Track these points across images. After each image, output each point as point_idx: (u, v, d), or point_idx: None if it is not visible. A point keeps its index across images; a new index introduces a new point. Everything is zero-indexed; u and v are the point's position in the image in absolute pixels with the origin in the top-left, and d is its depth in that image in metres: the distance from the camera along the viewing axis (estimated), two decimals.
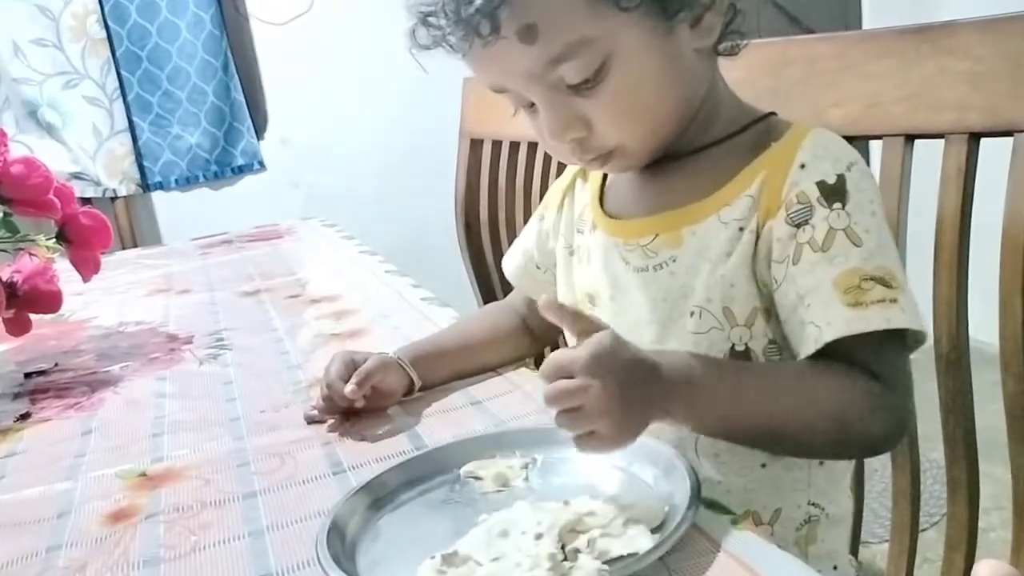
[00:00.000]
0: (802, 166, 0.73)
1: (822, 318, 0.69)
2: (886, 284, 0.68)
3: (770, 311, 0.75)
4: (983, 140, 0.88)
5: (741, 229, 0.75)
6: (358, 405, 0.87)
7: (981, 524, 0.96)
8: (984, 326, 0.94)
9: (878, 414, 0.68)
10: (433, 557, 0.58)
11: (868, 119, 0.97)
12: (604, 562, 0.56)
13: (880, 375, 0.69)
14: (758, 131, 0.78)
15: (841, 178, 0.71)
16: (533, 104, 0.76)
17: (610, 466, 0.68)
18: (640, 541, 0.57)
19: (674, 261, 0.78)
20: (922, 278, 0.93)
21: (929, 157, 0.96)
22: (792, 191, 0.72)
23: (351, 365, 0.88)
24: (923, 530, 1.04)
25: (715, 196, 0.77)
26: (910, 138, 0.94)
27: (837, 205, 0.71)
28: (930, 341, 0.92)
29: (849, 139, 0.97)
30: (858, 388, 0.68)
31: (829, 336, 0.68)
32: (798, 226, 0.71)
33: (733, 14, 0.78)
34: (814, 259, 0.70)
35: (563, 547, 0.58)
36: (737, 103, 0.82)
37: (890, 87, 0.94)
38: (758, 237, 0.74)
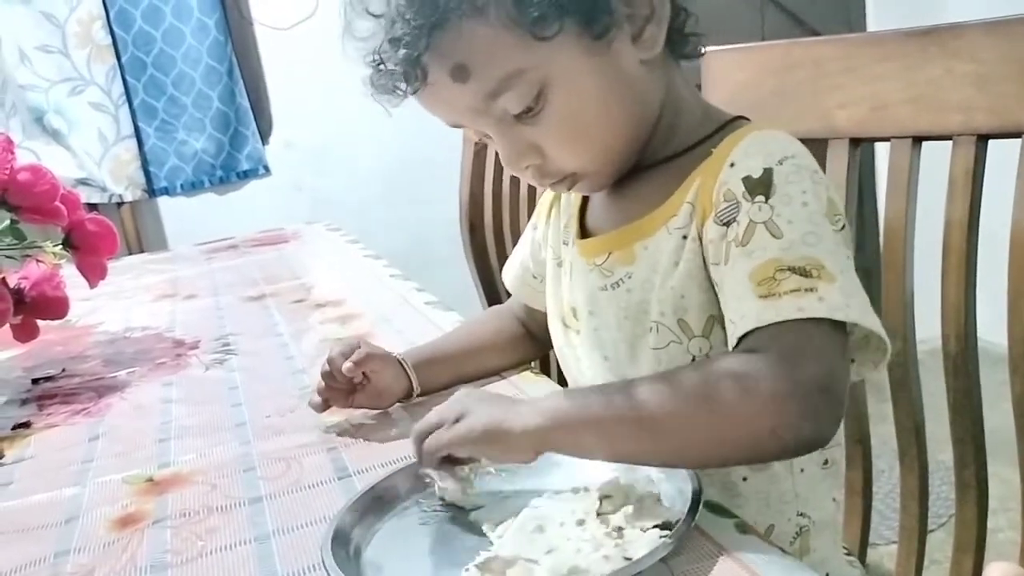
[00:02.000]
0: (732, 165, 0.71)
1: (736, 312, 0.66)
2: (805, 274, 0.64)
3: None
4: (991, 142, 0.88)
5: (684, 237, 0.73)
6: (356, 381, 0.88)
7: (989, 525, 0.96)
8: (993, 327, 0.93)
9: (759, 390, 0.61)
10: (468, 569, 0.58)
11: (874, 121, 0.96)
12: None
13: (780, 357, 0.62)
14: (719, 139, 0.76)
15: (768, 172, 0.69)
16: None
17: (611, 470, 0.68)
18: (667, 512, 0.60)
19: (629, 278, 0.77)
20: (930, 280, 0.93)
21: (937, 159, 0.96)
22: (721, 190, 0.71)
23: (352, 348, 0.88)
24: (931, 531, 1.03)
25: (663, 208, 0.75)
26: (917, 140, 0.94)
27: (760, 198, 0.68)
28: (938, 342, 0.92)
29: (856, 141, 0.99)
30: (726, 366, 0.63)
31: (741, 330, 0.65)
32: (727, 225, 0.69)
33: (684, 17, 0.77)
34: (735, 254, 0.68)
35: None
36: (702, 109, 0.80)
37: (896, 89, 0.94)
38: (701, 243, 0.72)
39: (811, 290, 0.64)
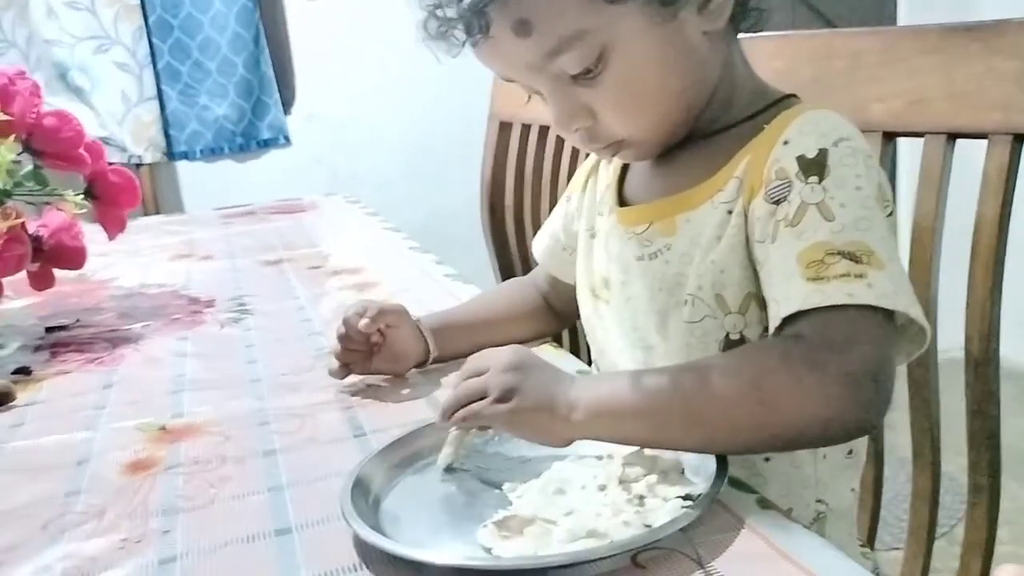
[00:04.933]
0: (785, 143, 0.70)
1: (781, 292, 0.65)
2: (855, 259, 0.63)
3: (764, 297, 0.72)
4: None
5: (730, 212, 0.73)
6: (374, 339, 0.87)
7: None
8: (1009, 340, 0.92)
9: (807, 377, 0.60)
10: (485, 525, 0.58)
11: (911, 115, 0.95)
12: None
13: (829, 344, 0.62)
14: (770, 115, 0.75)
15: (823, 152, 0.68)
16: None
17: None
18: (690, 484, 0.59)
19: (668, 249, 0.77)
20: (956, 278, 0.92)
21: (965, 157, 0.95)
22: (773, 168, 0.70)
23: (366, 307, 0.88)
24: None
25: (709, 182, 0.75)
26: (952, 137, 0.93)
27: (813, 179, 0.67)
28: (953, 353, 0.91)
29: (891, 135, 0.98)
30: (774, 353, 0.64)
31: (785, 311, 0.64)
32: (777, 203, 0.69)
33: None
34: (784, 234, 0.67)
35: None
36: (757, 85, 0.80)
37: (935, 84, 0.93)
38: (746, 219, 0.72)
39: (860, 276, 0.63)
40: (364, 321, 0.86)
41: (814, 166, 0.68)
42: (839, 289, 0.62)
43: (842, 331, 0.62)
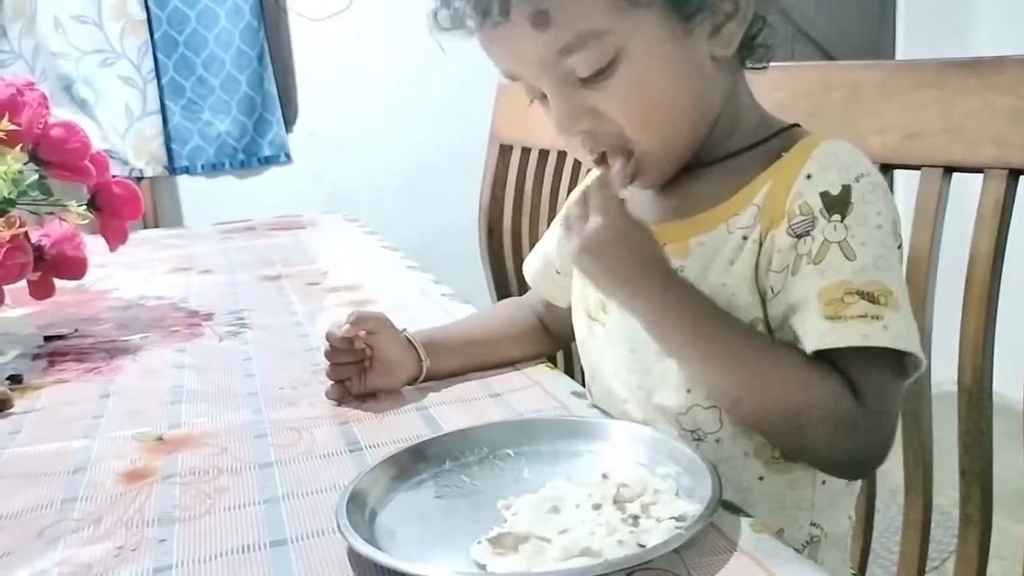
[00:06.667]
0: (808, 176, 0.72)
1: (799, 327, 0.68)
2: (873, 300, 0.66)
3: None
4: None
5: (745, 238, 0.74)
6: (358, 346, 0.88)
7: None
8: (1001, 375, 0.92)
9: (842, 428, 0.67)
10: (480, 542, 0.58)
11: (908, 148, 0.97)
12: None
13: (858, 393, 0.67)
14: (778, 143, 0.77)
15: (846, 189, 0.70)
16: (546, 96, 0.76)
17: (632, 462, 0.68)
18: (684, 506, 0.60)
19: (682, 271, 0.77)
20: (950, 311, 0.93)
21: (961, 191, 0.96)
22: (796, 202, 0.71)
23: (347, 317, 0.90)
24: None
25: (724, 206, 0.76)
26: (948, 170, 0.94)
27: (836, 217, 0.69)
28: (946, 386, 0.92)
29: (887, 167, 0.99)
30: (830, 392, 0.67)
31: (804, 348, 0.68)
32: (800, 237, 0.70)
33: (761, 25, 0.78)
34: (807, 271, 0.69)
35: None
36: (761, 115, 0.82)
37: (932, 118, 0.94)
38: (761, 246, 0.73)
39: (877, 317, 0.66)
40: (344, 327, 0.87)
41: (838, 203, 0.70)
42: (856, 331, 0.65)
43: (875, 382, 0.67)
